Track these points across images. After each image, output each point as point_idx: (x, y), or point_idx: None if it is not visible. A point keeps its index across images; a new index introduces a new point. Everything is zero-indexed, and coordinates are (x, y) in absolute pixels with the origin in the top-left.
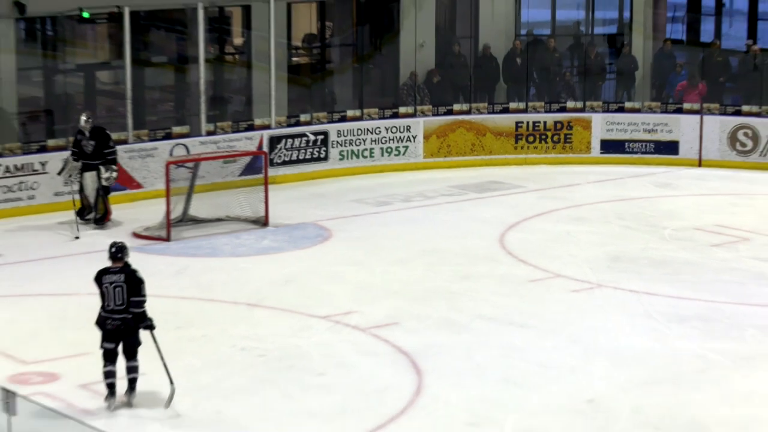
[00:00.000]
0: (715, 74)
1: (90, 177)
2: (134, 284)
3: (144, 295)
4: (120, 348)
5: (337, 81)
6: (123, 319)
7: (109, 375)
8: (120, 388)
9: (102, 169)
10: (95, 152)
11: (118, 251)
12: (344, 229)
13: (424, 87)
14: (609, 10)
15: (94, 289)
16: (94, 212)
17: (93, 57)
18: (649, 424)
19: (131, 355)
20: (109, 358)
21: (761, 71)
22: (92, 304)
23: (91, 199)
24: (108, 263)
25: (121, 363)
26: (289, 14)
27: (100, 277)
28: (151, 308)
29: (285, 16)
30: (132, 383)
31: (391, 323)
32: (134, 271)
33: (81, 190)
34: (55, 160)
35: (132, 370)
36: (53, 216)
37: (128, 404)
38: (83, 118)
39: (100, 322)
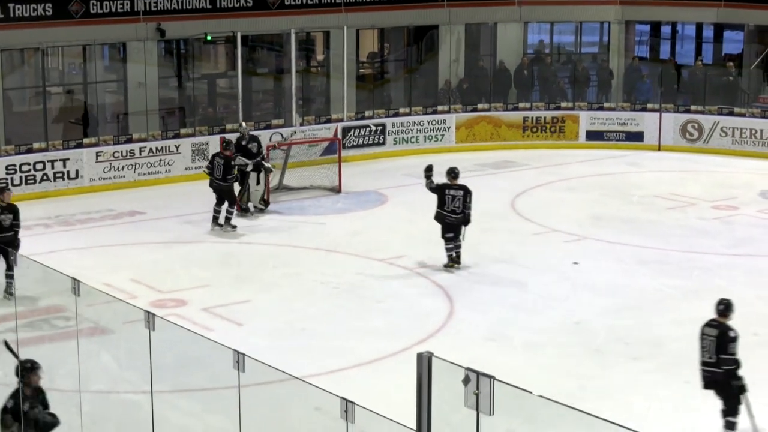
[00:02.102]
0: (671, 82)
1: (263, 174)
2: (229, 167)
3: (235, 174)
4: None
5: (393, 87)
6: (219, 184)
7: (216, 212)
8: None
9: (264, 164)
10: (257, 153)
11: (227, 145)
12: (397, 195)
13: (456, 91)
14: (592, 35)
15: (217, 238)
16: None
17: (214, 69)
18: (620, 340)
19: (231, 204)
20: (218, 203)
21: (704, 80)
22: (214, 249)
23: (261, 191)
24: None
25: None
26: (357, 38)
27: (213, 158)
28: (257, 252)
29: (354, 39)
30: (228, 219)
31: (430, 264)
32: (231, 160)
33: (247, 190)
34: (186, 144)
35: (229, 212)
36: (184, 185)
37: (228, 230)
38: (245, 125)
39: (212, 185)
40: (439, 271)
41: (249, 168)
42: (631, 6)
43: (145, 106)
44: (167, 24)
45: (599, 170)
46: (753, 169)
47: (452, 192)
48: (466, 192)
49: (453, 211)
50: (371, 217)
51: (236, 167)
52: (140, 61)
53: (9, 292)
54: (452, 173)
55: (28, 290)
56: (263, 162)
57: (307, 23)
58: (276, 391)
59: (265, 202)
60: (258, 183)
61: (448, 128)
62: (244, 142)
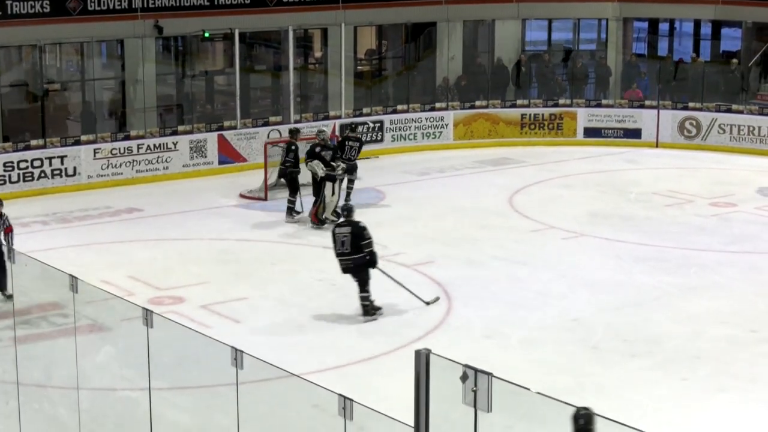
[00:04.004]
0: (669, 79)
1: (337, 184)
2: (285, 152)
3: (290, 159)
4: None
5: (391, 84)
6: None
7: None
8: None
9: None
10: (332, 160)
11: (290, 132)
12: (395, 192)
13: (454, 88)
14: (590, 32)
15: (215, 235)
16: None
17: (212, 66)
18: (618, 337)
19: (289, 192)
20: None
21: (702, 77)
22: (212, 246)
23: (335, 202)
24: None
25: None
26: (355, 35)
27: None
28: (254, 249)
29: (352, 36)
30: (288, 209)
31: (428, 261)
32: (290, 143)
33: (323, 200)
34: (184, 141)
35: (288, 201)
36: (182, 182)
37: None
38: (327, 132)
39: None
40: (437, 268)
41: (320, 174)
42: (628, 3)
43: (143, 104)
44: (165, 21)
45: (597, 167)
46: (751, 166)
47: (350, 143)
48: (361, 143)
49: (350, 158)
50: (369, 214)
51: (292, 153)
52: (138, 58)
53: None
54: (350, 127)
55: (26, 287)
56: (334, 167)
57: (305, 20)
58: (274, 388)
59: (338, 214)
60: (333, 194)
61: (446, 125)
62: (318, 149)
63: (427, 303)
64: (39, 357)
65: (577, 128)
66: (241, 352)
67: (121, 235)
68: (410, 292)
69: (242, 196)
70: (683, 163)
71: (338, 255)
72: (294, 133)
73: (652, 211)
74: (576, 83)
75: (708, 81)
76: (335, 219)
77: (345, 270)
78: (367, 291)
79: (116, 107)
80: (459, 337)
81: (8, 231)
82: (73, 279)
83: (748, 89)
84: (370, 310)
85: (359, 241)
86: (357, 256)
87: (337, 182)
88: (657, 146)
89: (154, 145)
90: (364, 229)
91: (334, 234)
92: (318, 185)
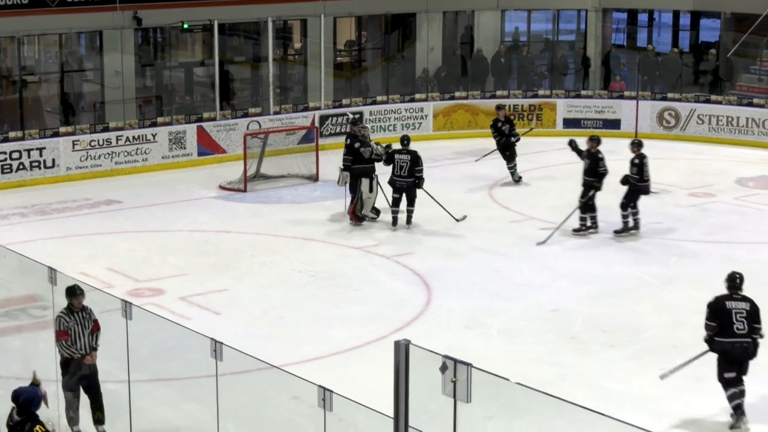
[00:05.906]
0: (649, 70)
1: (374, 181)
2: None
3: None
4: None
5: (370, 75)
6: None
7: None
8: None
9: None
10: (369, 158)
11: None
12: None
13: (434, 79)
14: (569, 23)
15: (194, 227)
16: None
17: (191, 57)
18: (598, 327)
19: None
20: (396, 203)
21: (681, 67)
22: (191, 237)
23: (373, 200)
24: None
25: None
26: (335, 26)
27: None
28: (234, 241)
29: (332, 27)
30: (409, 218)
31: (408, 252)
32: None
33: (360, 197)
34: (163, 133)
35: (410, 211)
36: (161, 174)
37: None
38: (368, 127)
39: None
40: (417, 259)
41: (382, 155)
42: None
43: (122, 95)
44: (144, 12)
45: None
46: (729, 156)
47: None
48: (510, 122)
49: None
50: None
51: (354, 148)
52: (117, 50)
53: None
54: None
55: (5, 279)
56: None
57: (284, 11)
58: (254, 379)
59: (377, 211)
60: (371, 190)
61: (426, 116)
62: (357, 144)
63: (458, 220)
64: (18, 349)
65: (556, 119)
66: (221, 343)
67: (99, 227)
68: (444, 208)
69: (222, 187)
70: (662, 154)
71: (396, 176)
72: (354, 123)
73: None
74: (556, 74)
75: (686, 71)
76: (374, 216)
77: (399, 189)
78: (413, 206)
79: (95, 99)
80: (439, 327)
81: (95, 330)
82: (52, 271)
83: (722, 80)
84: (411, 220)
85: (414, 167)
86: (410, 179)
87: (374, 179)
88: (636, 137)
89: (133, 137)
90: (419, 157)
91: (393, 158)
92: (354, 183)
